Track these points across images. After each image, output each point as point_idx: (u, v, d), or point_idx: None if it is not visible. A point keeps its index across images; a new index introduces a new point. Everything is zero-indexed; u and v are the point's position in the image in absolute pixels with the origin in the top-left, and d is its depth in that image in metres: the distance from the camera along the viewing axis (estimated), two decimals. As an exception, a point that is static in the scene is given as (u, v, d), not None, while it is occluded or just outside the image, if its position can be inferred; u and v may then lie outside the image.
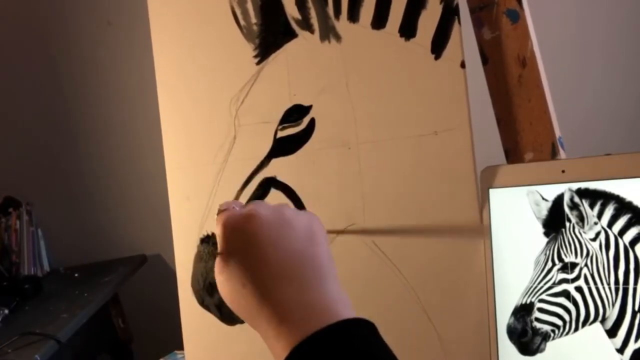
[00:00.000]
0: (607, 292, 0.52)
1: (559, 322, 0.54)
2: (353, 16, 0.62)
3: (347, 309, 0.40)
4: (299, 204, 0.65)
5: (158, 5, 0.72)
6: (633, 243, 0.51)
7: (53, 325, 1.31)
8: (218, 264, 0.44)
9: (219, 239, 0.45)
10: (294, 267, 0.42)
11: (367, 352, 0.37)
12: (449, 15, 0.57)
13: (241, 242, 0.43)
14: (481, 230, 0.57)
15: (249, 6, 0.66)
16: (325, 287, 0.42)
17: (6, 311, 1.42)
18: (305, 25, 0.64)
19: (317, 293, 0.41)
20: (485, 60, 0.61)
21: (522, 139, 0.60)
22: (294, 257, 0.42)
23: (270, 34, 0.66)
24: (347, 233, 0.62)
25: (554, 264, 0.54)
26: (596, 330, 0.52)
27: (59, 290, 1.60)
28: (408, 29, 0.59)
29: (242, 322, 0.68)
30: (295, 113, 0.65)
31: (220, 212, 0.47)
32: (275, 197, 0.66)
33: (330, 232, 0.56)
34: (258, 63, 0.66)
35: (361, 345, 0.38)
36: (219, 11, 0.68)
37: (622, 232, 0.52)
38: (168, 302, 0.86)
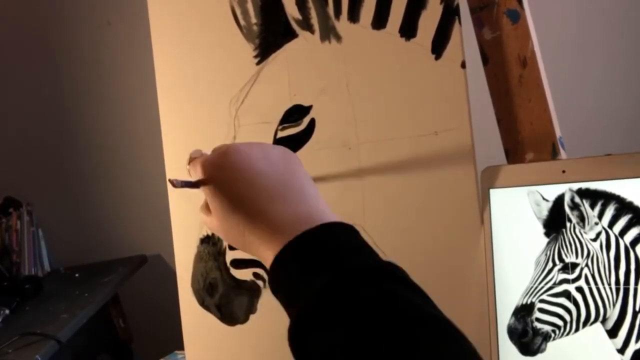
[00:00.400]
0: (607, 292, 0.52)
1: (560, 323, 0.54)
2: (353, 16, 0.62)
3: (333, 217, 0.43)
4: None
5: (158, 5, 0.72)
6: (634, 243, 0.51)
7: (53, 325, 1.31)
8: (206, 207, 0.47)
9: (199, 178, 0.47)
10: (278, 187, 0.45)
11: (344, 248, 0.40)
12: (450, 15, 0.57)
13: (224, 174, 0.46)
14: (481, 230, 0.57)
15: (249, 6, 0.66)
16: (311, 201, 0.44)
17: (7, 311, 1.42)
18: (306, 25, 0.64)
19: (304, 205, 0.44)
20: (485, 60, 0.61)
21: (522, 139, 0.60)
22: (276, 179, 0.45)
23: (271, 34, 0.66)
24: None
25: (554, 264, 0.54)
26: (597, 330, 0.52)
27: (59, 290, 1.60)
28: (408, 29, 0.59)
29: (242, 322, 0.68)
30: (296, 113, 0.65)
31: (191, 159, 0.49)
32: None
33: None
34: (258, 63, 0.66)
35: (341, 242, 0.40)
36: (219, 11, 0.68)
37: (622, 233, 0.51)
38: (168, 302, 0.86)
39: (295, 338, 0.38)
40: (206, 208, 0.48)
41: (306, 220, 0.42)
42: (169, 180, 0.58)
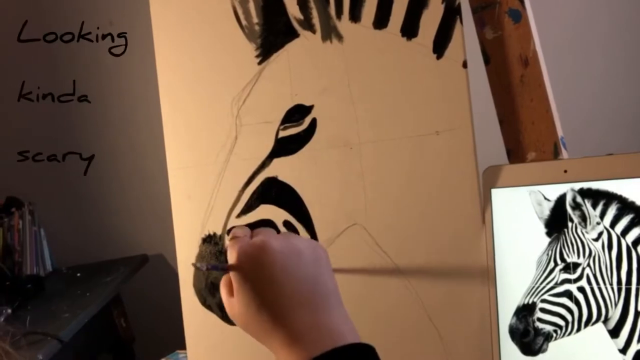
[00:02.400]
0: (609, 292, 0.52)
1: (562, 323, 0.54)
2: (355, 16, 0.62)
3: (353, 332, 0.45)
4: (300, 204, 0.65)
5: (159, 5, 0.72)
6: (636, 243, 0.51)
7: (55, 324, 1.31)
8: (229, 285, 0.49)
9: (233, 263, 0.49)
10: (304, 293, 0.47)
11: None
12: (451, 14, 0.57)
13: (256, 269, 0.47)
14: (483, 230, 0.57)
15: (251, 6, 0.66)
16: (333, 310, 0.47)
17: (9, 310, 1.42)
18: (307, 25, 0.64)
19: (326, 316, 0.46)
20: (487, 60, 0.61)
21: (524, 138, 0.60)
22: (305, 283, 0.47)
23: (272, 34, 0.66)
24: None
25: (556, 264, 0.54)
26: (599, 330, 0.52)
27: (61, 289, 1.61)
28: (410, 29, 0.59)
29: (243, 322, 0.68)
30: (297, 113, 0.65)
31: (233, 237, 0.51)
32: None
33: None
34: (260, 63, 0.66)
35: None
36: (221, 11, 0.68)
37: (624, 232, 0.51)
38: (170, 301, 0.86)
39: None
40: (229, 289, 0.49)
41: (328, 333, 0.44)
42: (194, 265, 0.62)
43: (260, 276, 0.47)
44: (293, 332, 0.45)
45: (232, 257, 0.49)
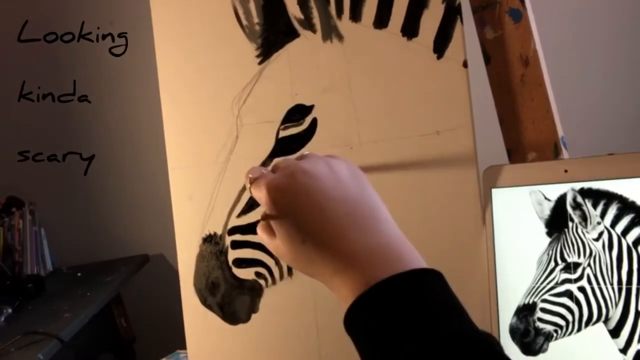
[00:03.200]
0: (610, 292, 0.52)
1: (562, 322, 0.54)
2: (355, 16, 0.62)
3: (413, 254, 0.40)
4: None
5: (160, 5, 0.72)
6: (636, 243, 0.51)
7: (56, 324, 1.31)
8: (267, 227, 0.44)
9: (265, 204, 0.44)
10: (350, 214, 0.41)
11: (436, 307, 0.37)
12: (451, 14, 0.57)
13: (292, 200, 0.42)
14: (484, 230, 0.57)
15: (251, 6, 0.66)
16: (386, 229, 0.42)
17: (9, 310, 1.42)
18: (308, 24, 0.64)
19: (379, 236, 0.41)
20: (487, 59, 0.61)
21: (524, 138, 0.60)
22: (349, 204, 0.42)
23: (273, 34, 0.66)
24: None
25: (556, 264, 0.54)
26: (599, 330, 0.52)
27: (61, 289, 1.61)
28: (410, 29, 0.59)
29: (244, 321, 0.68)
30: (297, 113, 0.65)
31: (253, 180, 0.46)
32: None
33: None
34: (260, 63, 0.66)
35: (431, 298, 0.37)
36: (221, 11, 0.68)
37: (625, 232, 0.51)
38: (170, 301, 0.86)
39: None
40: (269, 229, 0.45)
41: (385, 253, 0.39)
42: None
43: (297, 206, 0.42)
44: (344, 257, 0.39)
45: (260, 196, 0.44)
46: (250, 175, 0.46)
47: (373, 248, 0.40)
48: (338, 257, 0.40)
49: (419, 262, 0.40)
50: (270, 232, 0.44)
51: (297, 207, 0.42)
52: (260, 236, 0.45)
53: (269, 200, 0.43)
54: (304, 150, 0.64)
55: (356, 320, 0.38)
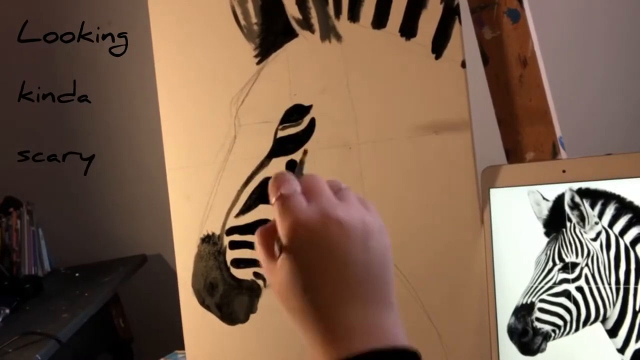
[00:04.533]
0: (607, 292, 0.52)
1: (560, 322, 0.54)
2: (353, 16, 0.62)
3: (398, 335, 0.38)
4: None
5: (158, 5, 0.72)
6: (634, 243, 0.51)
7: (54, 324, 1.31)
8: (269, 247, 0.41)
9: (283, 229, 0.40)
10: (364, 286, 0.39)
11: None
12: (450, 15, 0.57)
13: (316, 245, 0.39)
14: (482, 230, 0.57)
15: (250, 6, 0.66)
16: (386, 312, 0.39)
17: (7, 311, 1.42)
18: (306, 25, 0.64)
19: (380, 316, 0.39)
20: (486, 60, 0.61)
21: (522, 138, 0.60)
22: (366, 277, 0.39)
23: (271, 34, 0.66)
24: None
25: (554, 264, 0.54)
26: (597, 330, 0.52)
27: (59, 290, 1.60)
28: (409, 29, 0.59)
29: (242, 321, 0.68)
30: (296, 113, 0.65)
31: (280, 196, 0.40)
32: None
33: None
34: (258, 63, 0.66)
35: None
36: (220, 11, 0.68)
37: (622, 232, 0.51)
38: (169, 301, 0.86)
39: None
40: (269, 250, 0.41)
41: (379, 336, 0.37)
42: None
43: (318, 255, 0.38)
44: (338, 328, 0.37)
45: (282, 220, 0.40)
46: (282, 192, 0.41)
47: (369, 327, 0.38)
48: (328, 328, 0.38)
49: (403, 341, 0.38)
50: (271, 254, 0.41)
51: (317, 255, 0.39)
52: (258, 248, 0.42)
53: (290, 230, 0.39)
54: (306, 147, 0.64)
55: None
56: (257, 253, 0.42)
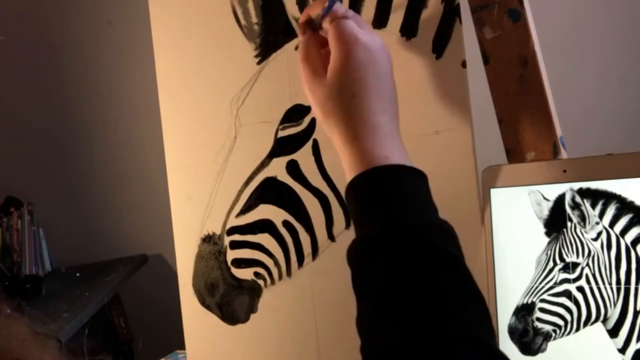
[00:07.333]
0: (608, 292, 0.52)
1: (561, 322, 0.54)
2: (354, 16, 0.61)
3: (404, 155, 0.47)
4: (299, 204, 0.65)
5: (158, 4, 0.71)
6: (635, 243, 0.51)
7: (54, 324, 1.31)
8: (314, 64, 0.50)
9: (345, 46, 0.48)
10: (390, 102, 0.49)
11: (407, 197, 0.45)
12: (450, 14, 0.57)
13: (367, 63, 0.48)
14: (482, 230, 0.57)
15: (250, 6, 0.66)
16: (397, 126, 0.49)
17: (7, 311, 1.42)
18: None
19: (396, 125, 0.49)
20: (486, 59, 0.61)
21: (523, 138, 0.60)
22: (392, 95, 0.50)
23: (271, 34, 0.66)
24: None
25: (555, 264, 0.54)
26: (598, 330, 0.52)
27: (60, 289, 1.60)
28: (409, 29, 0.59)
29: (243, 321, 0.68)
30: (296, 113, 0.65)
31: (341, 17, 0.49)
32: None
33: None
34: (259, 63, 0.66)
35: (405, 191, 0.45)
36: (220, 11, 0.68)
37: (623, 232, 0.51)
38: (169, 301, 0.86)
39: (350, 256, 0.45)
40: (314, 66, 0.50)
41: (394, 139, 0.47)
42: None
43: (368, 71, 0.47)
44: (374, 131, 0.46)
45: (344, 42, 0.48)
46: (342, 13, 0.50)
47: (391, 133, 0.47)
48: (368, 130, 0.46)
49: (406, 158, 0.47)
50: (317, 71, 0.49)
51: (369, 71, 0.47)
52: (303, 65, 0.51)
53: (349, 41, 0.48)
54: (303, 150, 0.64)
55: (348, 196, 0.46)
56: (301, 71, 0.50)
